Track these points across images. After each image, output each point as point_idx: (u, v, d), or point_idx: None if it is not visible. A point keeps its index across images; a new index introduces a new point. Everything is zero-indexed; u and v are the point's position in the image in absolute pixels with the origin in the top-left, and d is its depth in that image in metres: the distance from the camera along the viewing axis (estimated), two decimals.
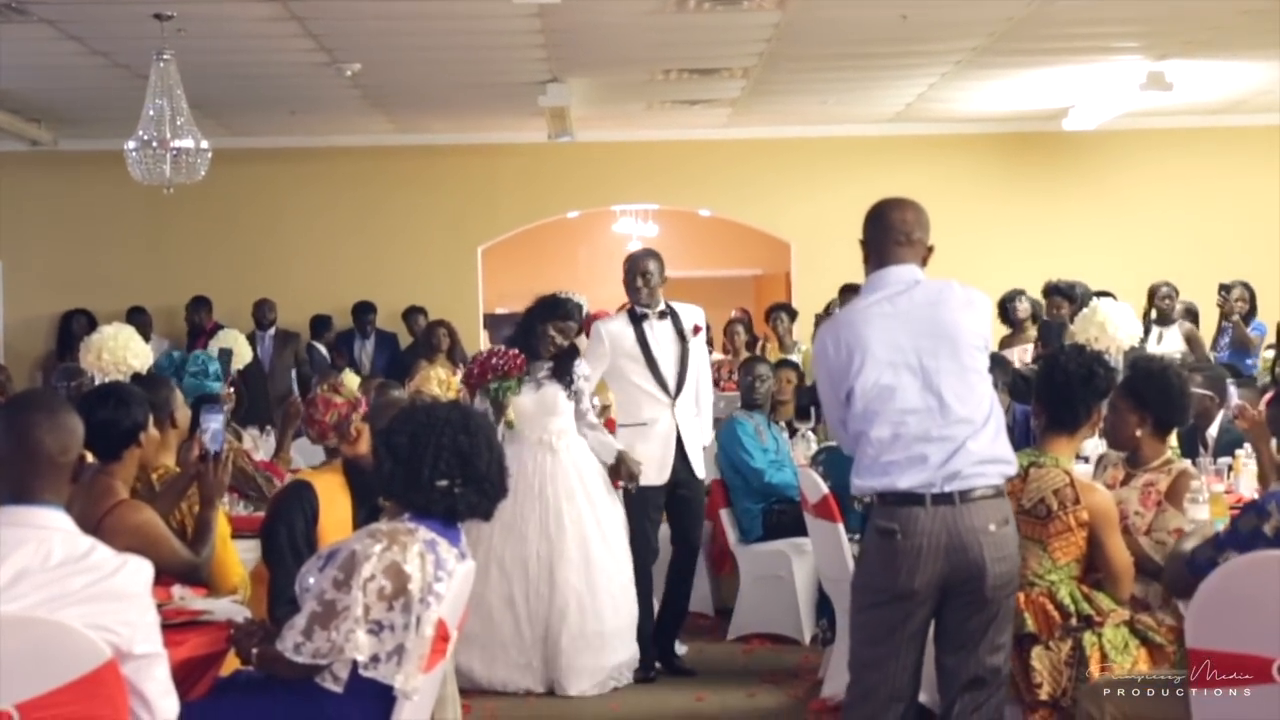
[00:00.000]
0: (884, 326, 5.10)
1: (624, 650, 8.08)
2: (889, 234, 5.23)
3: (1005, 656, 5.18)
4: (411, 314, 15.90)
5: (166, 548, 5.48)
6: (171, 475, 6.16)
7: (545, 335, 8.15)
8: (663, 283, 8.33)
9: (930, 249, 5.29)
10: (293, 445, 9.24)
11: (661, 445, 8.23)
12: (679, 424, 8.23)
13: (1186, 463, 6.14)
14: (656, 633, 8.34)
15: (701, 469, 8.40)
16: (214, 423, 5.79)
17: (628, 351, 8.25)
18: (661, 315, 8.30)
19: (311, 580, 4.46)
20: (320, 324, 16.04)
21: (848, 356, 5.11)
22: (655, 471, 8.20)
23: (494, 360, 8.00)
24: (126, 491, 5.75)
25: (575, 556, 7.98)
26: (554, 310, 8.24)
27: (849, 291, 12.89)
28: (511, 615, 7.97)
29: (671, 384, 8.23)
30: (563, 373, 8.14)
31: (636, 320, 8.31)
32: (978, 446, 5.04)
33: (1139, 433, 5.94)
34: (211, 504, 5.73)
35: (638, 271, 8.34)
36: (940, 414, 5.03)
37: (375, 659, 4.38)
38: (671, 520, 8.47)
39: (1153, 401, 5.93)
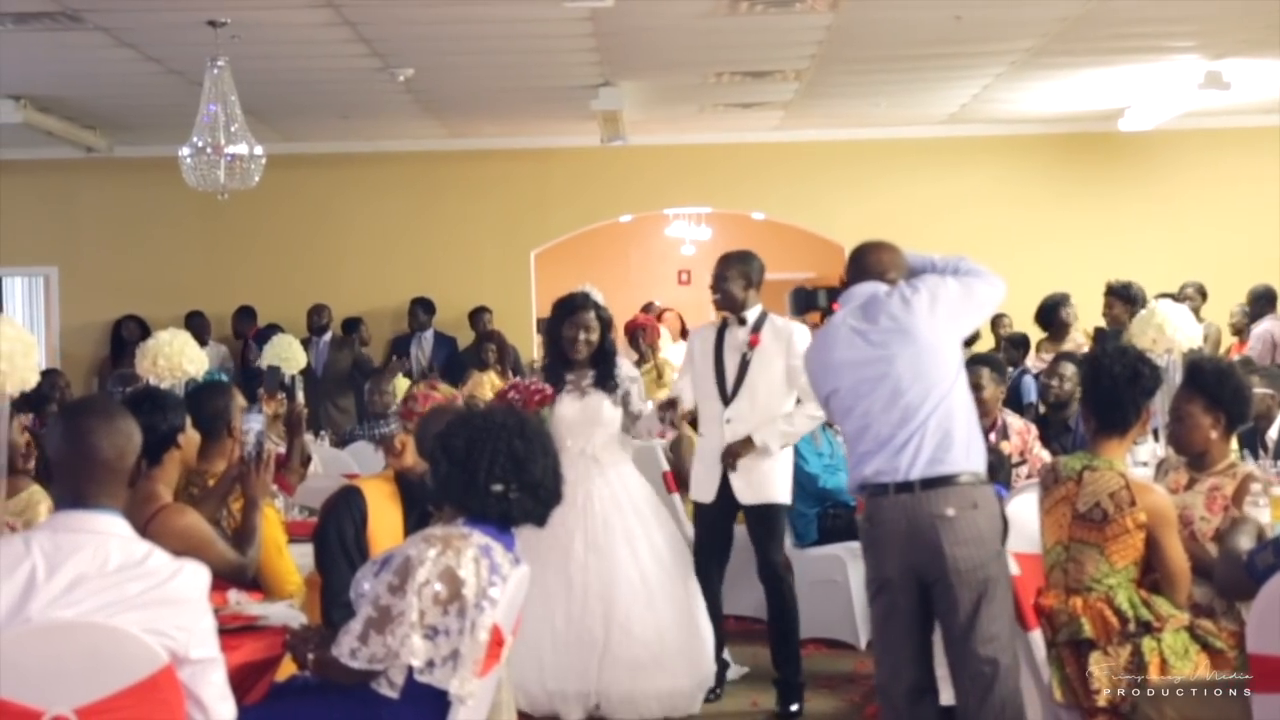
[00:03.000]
0: (847, 335, 5.57)
1: (685, 676, 7.59)
2: (866, 274, 5.74)
3: (1002, 647, 5.32)
4: (477, 314, 15.90)
5: (213, 550, 5.50)
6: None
7: (566, 339, 7.82)
8: (747, 287, 7.77)
9: None
10: (345, 450, 9.25)
11: (706, 461, 7.84)
12: (728, 443, 7.72)
13: (1251, 465, 6.03)
14: (775, 661, 7.89)
15: (755, 494, 7.75)
16: (255, 425, 5.82)
17: (701, 357, 7.87)
18: (742, 322, 7.78)
19: (367, 586, 4.46)
20: (350, 325, 16.00)
21: (818, 367, 5.74)
22: (701, 487, 7.86)
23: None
24: (169, 495, 5.78)
25: (629, 571, 7.56)
26: (562, 310, 7.89)
27: None
28: (552, 637, 7.47)
29: (727, 394, 7.75)
30: (605, 378, 7.83)
31: (722, 327, 7.87)
32: (936, 426, 5.36)
33: (1214, 435, 5.85)
34: (256, 505, 5.76)
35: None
36: (897, 400, 5.39)
37: (430, 664, 4.37)
38: (751, 540, 8.07)
39: (1227, 400, 5.80)
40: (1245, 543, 5.25)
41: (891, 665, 5.49)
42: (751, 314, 7.80)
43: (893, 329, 5.47)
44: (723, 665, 8.03)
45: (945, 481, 5.33)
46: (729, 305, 7.80)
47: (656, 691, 7.50)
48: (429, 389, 6.30)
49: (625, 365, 8.03)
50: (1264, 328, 12.81)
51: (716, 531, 7.91)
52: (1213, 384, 5.82)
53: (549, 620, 7.46)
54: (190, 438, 5.91)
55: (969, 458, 5.39)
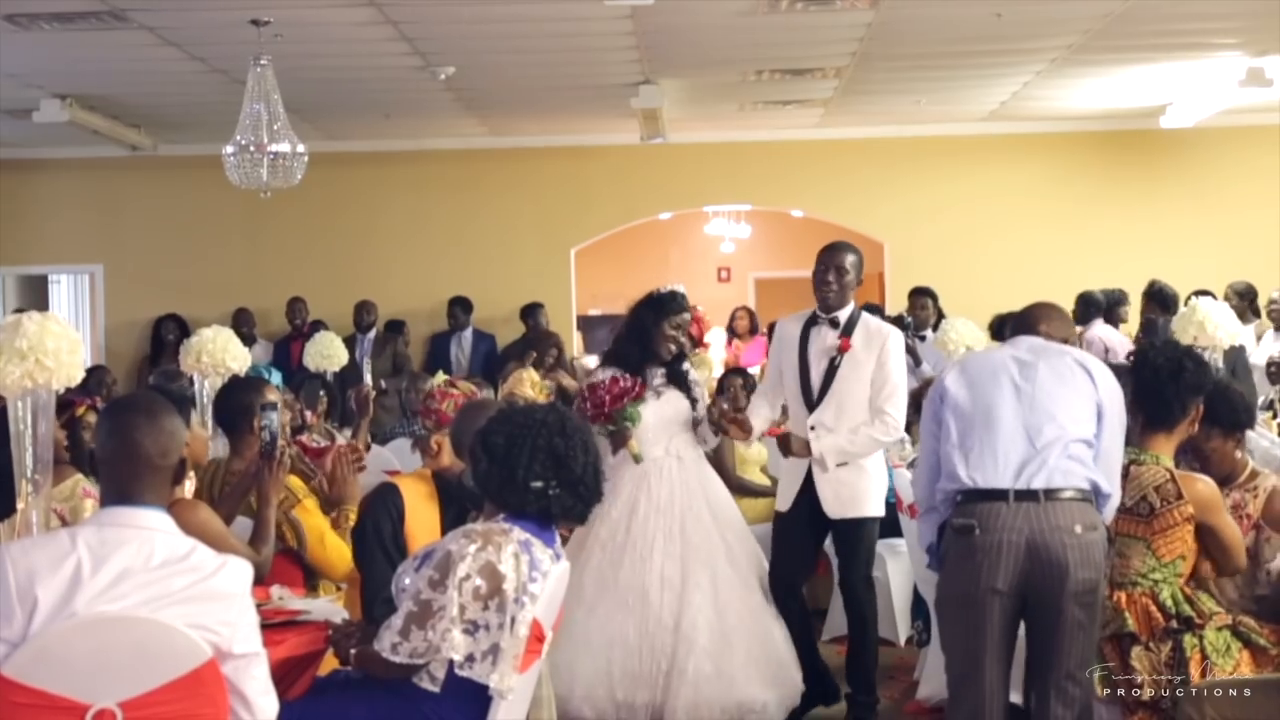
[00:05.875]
0: (1006, 367, 5.34)
1: (759, 687, 7.10)
2: (1029, 332, 5.62)
3: (1092, 671, 5.13)
4: (530, 311, 15.91)
5: (225, 546, 5.49)
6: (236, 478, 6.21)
7: (665, 335, 7.44)
8: (847, 285, 7.29)
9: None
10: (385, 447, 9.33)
11: (790, 469, 7.41)
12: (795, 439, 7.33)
13: (1275, 477, 5.90)
14: (850, 676, 7.49)
15: (843, 508, 7.26)
16: (270, 422, 5.84)
17: (787, 355, 7.40)
18: (833, 324, 7.30)
19: (408, 580, 4.49)
20: (393, 326, 15.96)
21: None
22: (783, 496, 7.42)
23: (622, 383, 7.25)
24: (181, 491, 5.80)
25: (701, 579, 7.15)
26: (668, 306, 7.48)
27: (919, 295, 12.96)
28: (623, 647, 7.09)
29: (812, 399, 7.28)
30: (675, 377, 7.53)
31: (809, 323, 7.39)
32: (1070, 452, 5.08)
33: (1209, 445, 5.78)
34: (269, 503, 5.77)
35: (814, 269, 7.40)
36: (1031, 409, 5.13)
37: (471, 659, 4.40)
38: (836, 553, 7.73)
39: (1222, 414, 5.77)
40: None
41: (982, 682, 5.08)
42: (844, 314, 7.32)
43: (1052, 358, 5.35)
44: (830, 687, 7.54)
45: (1069, 496, 5.05)
46: (839, 302, 7.31)
47: (722, 704, 7.03)
48: (448, 386, 6.33)
49: (692, 370, 7.74)
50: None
51: (794, 544, 7.41)
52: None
53: (621, 630, 7.13)
54: (196, 435, 5.92)
55: (1088, 476, 5.12)
